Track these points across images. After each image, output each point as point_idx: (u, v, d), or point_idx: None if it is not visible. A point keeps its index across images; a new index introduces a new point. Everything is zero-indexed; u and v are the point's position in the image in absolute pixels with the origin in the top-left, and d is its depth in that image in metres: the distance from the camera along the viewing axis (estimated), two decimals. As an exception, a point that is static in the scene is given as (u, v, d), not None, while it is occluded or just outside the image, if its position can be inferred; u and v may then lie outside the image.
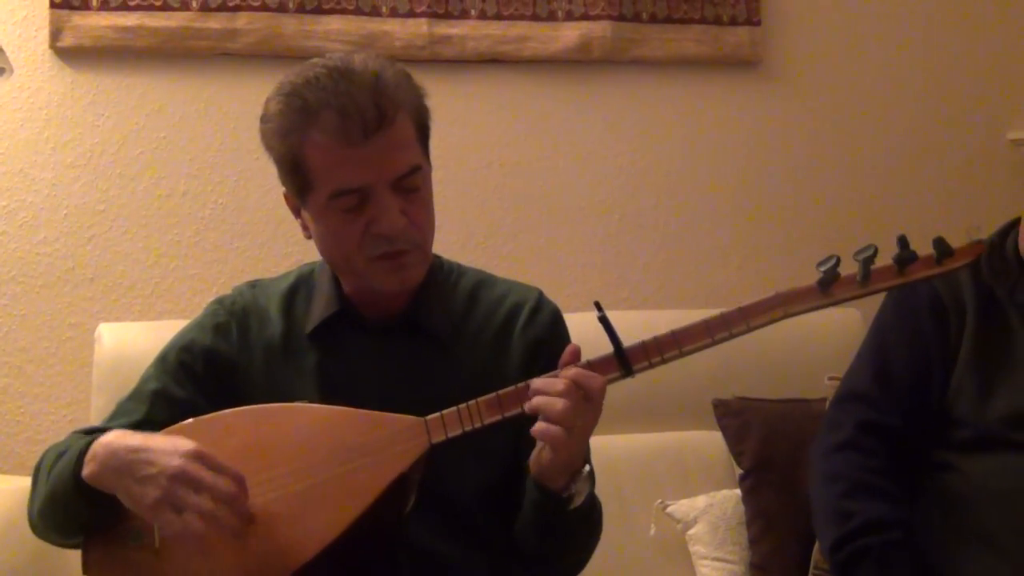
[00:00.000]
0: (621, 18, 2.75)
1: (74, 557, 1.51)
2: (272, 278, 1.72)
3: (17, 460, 2.44)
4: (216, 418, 1.50)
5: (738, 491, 2.31)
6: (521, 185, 2.75)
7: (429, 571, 1.55)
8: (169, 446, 1.39)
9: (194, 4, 2.53)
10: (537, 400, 1.39)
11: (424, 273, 1.58)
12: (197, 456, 1.38)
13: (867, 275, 1.41)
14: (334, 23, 2.60)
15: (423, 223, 1.53)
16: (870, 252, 1.40)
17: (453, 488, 1.57)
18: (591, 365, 1.42)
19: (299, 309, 1.64)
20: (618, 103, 2.80)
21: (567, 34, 2.73)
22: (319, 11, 2.59)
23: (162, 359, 1.64)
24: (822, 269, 1.41)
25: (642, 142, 2.81)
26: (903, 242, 1.42)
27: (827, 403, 2.11)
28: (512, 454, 1.56)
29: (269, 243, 2.59)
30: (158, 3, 2.51)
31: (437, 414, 1.44)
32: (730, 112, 2.86)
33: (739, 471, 2.32)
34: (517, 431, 1.47)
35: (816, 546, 2.13)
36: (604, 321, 1.43)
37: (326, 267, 1.63)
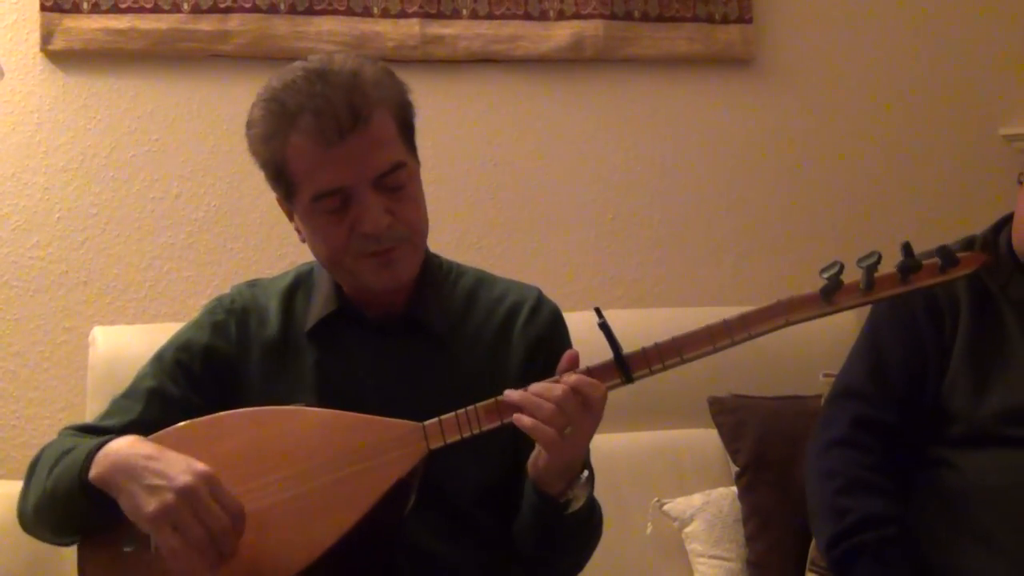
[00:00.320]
0: (613, 17, 2.74)
1: (70, 561, 1.51)
2: (271, 277, 1.71)
3: (12, 464, 2.42)
4: (213, 420, 1.49)
5: (734, 488, 2.31)
6: (514, 184, 2.74)
7: (428, 571, 1.54)
8: (183, 462, 1.38)
9: (185, 6, 2.51)
10: (527, 399, 1.37)
11: (416, 268, 1.57)
12: (208, 480, 1.36)
13: (871, 283, 1.38)
14: (326, 24, 2.59)
15: (411, 219, 1.52)
16: (874, 259, 1.37)
17: (453, 488, 1.56)
18: (591, 372, 1.40)
19: (298, 308, 1.64)
20: (611, 102, 2.80)
21: (559, 33, 2.72)
22: (311, 12, 2.58)
23: (158, 358, 1.64)
24: (825, 276, 1.38)
25: (635, 141, 2.81)
26: (907, 249, 1.39)
27: (823, 400, 2.11)
28: (512, 454, 1.55)
29: (263, 245, 2.58)
30: (149, 5, 2.50)
31: (435, 420, 1.43)
32: (723, 110, 2.86)
33: (735, 468, 2.32)
34: (517, 431, 1.46)
35: (813, 543, 2.14)
36: (604, 327, 1.40)
37: (325, 266, 1.64)
